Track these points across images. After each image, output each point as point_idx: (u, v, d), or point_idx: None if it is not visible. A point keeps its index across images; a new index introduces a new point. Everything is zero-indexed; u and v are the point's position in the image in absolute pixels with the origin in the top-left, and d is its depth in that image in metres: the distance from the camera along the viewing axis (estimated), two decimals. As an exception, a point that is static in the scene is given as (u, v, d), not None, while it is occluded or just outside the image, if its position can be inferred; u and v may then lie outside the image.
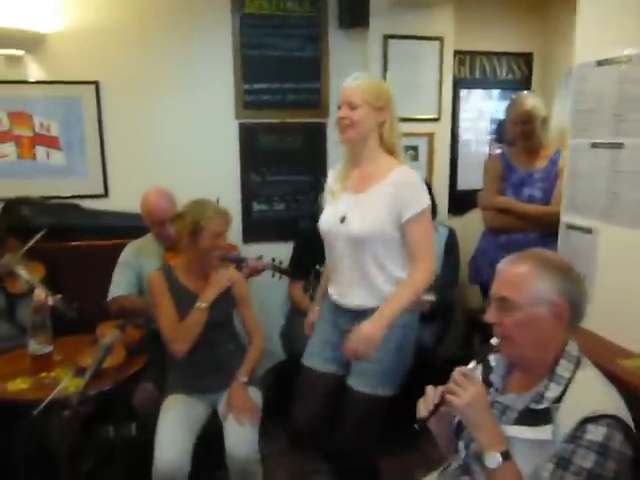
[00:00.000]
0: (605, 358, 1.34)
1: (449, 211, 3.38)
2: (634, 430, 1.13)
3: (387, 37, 2.99)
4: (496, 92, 3.51)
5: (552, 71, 3.46)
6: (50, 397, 1.75)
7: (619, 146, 1.63)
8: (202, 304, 2.05)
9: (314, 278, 2.84)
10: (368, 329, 1.71)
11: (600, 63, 1.67)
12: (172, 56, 2.91)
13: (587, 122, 1.70)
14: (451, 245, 2.99)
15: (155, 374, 2.19)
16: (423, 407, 1.34)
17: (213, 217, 2.04)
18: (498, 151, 3.47)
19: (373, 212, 1.78)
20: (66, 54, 2.78)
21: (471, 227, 3.24)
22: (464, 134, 3.49)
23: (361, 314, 1.82)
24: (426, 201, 1.79)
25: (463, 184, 3.49)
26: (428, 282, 1.81)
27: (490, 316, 1.28)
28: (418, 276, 1.79)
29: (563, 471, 1.10)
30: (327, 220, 1.91)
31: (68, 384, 1.88)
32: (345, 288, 1.88)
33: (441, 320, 2.85)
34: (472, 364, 1.32)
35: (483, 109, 3.51)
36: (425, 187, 1.83)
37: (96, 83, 2.82)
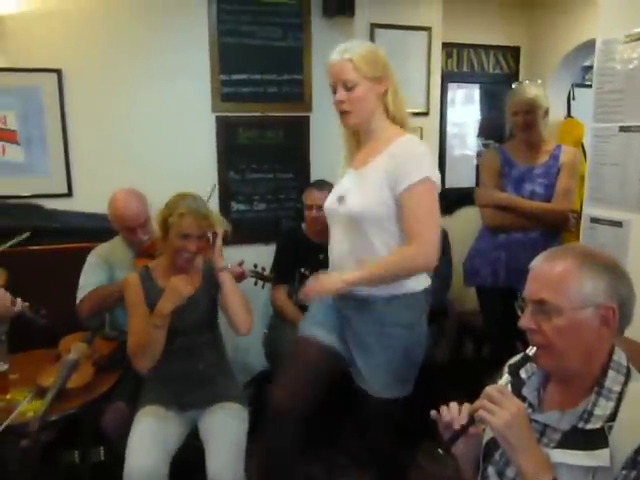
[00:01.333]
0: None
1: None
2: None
3: (374, 26, 2.83)
4: (484, 86, 3.39)
5: (539, 65, 3.38)
6: (5, 424, 1.55)
7: (655, 128, 1.48)
8: (157, 322, 1.77)
9: (299, 282, 2.67)
10: (330, 277, 1.59)
11: (629, 38, 1.53)
12: (143, 43, 2.69)
13: (615, 103, 1.56)
14: (444, 246, 2.86)
15: (128, 392, 1.97)
16: (446, 427, 1.16)
17: (183, 215, 1.80)
18: (480, 148, 3.38)
19: (371, 187, 1.60)
20: (25, 39, 2.51)
21: (461, 226, 3.12)
22: (451, 130, 3.36)
23: (365, 304, 1.66)
24: (425, 172, 1.54)
25: (451, 182, 3.36)
26: (420, 263, 1.57)
27: (525, 321, 1.11)
28: (407, 251, 1.56)
29: (625, 502, 0.94)
30: (329, 201, 1.75)
31: (26, 408, 1.67)
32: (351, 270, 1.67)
33: (434, 324, 2.70)
34: (505, 378, 1.15)
35: (471, 104, 3.39)
36: (429, 158, 1.61)
37: (58, 71, 2.57)
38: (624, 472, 0.95)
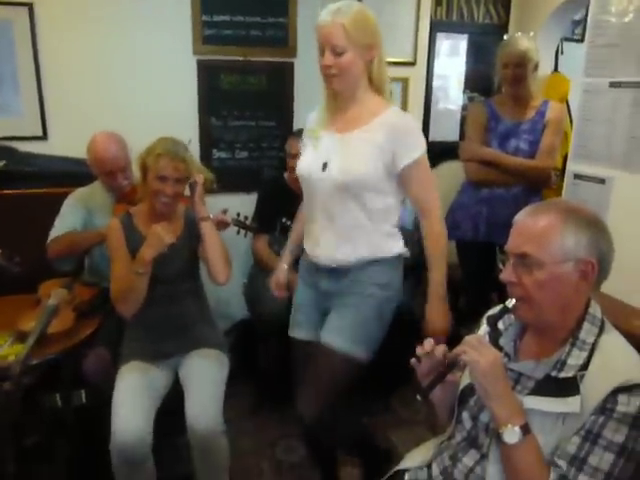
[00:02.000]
0: (618, 319, 1.23)
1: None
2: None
3: (363, -32, 2.73)
4: (472, 37, 3.31)
5: (530, 17, 3.30)
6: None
7: (645, 85, 1.45)
8: (139, 269, 1.76)
9: (280, 232, 2.66)
10: (436, 317, 1.71)
11: (625, -9, 1.49)
12: (120, -22, 2.55)
13: (606, 58, 1.52)
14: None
15: (109, 338, 1.97)
16: (425, 374, 1.20)
17: (160, 156, 1.78)
18: (466, 102, 3.34)
19: (361, 154, 1.58)
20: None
21: (443, 180, 3.10)
22: (437, 82, 3.30)
23: (342, 273, 1.68)
24: (424, 145, 1.62)
25: (435, 135, 3.33)
26: (445, 232, 1.73)
27: (507, 275, 1.13)
28: (438, 230, 1.70)
29: (591, 445, 0.99)
30: (307, 166, 1.69)
31: (7, 352, 1.67)
32: (327, 243, 1.68)
33: (413, 277, 2.74)
34: (484, 328, 1.18)
35: (457, 56, 3.32)
36: (421, 130, 1.66)
37: (29, 5, 2.42)
38: (593, 417, 1.00)
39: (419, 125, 1.67)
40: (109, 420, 1.70)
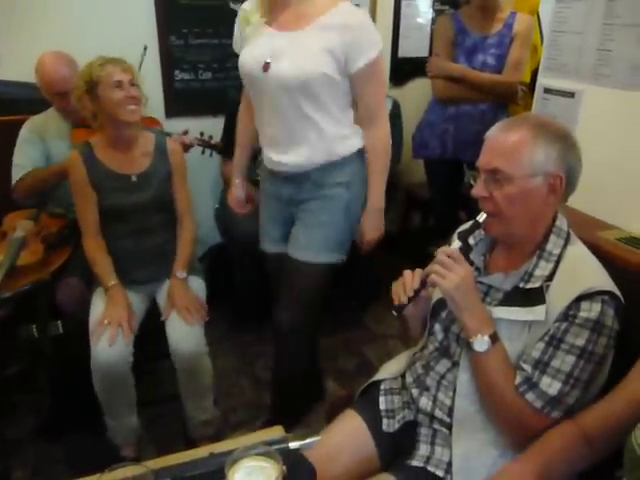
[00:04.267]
0: (583, 231, 1.27)
1: (389, 80, 3.15)
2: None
3: None
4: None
5: None
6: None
7: (617, -8, 1.41)
8: None
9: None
10: (372, 226, 1.72)
11: None
12: None
13: (579, -36, 1.48)
14: (395, 118, 2.84)
15: (81, 268, 1.94)
16: (401, 292, 1.24)
17: (102, 65, 1.73)
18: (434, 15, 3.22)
19: (313, 54, 1.50)
20: None
21: (412, 98, 3.08)
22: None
23: (302, 177, 1.66)
24: (379, 44, 1.55)
25: (404, 52, 3.23)
26: (389, 140, 1.68)
27: (478, 190, 1.15)
28: (387, 136, 1.66)
29: (554, 349, 1.06)
30: (250, 63, 1.58)
31: (-22, 286, 1.62)
32: (282, 146, 1.63)
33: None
34: (456, 244, 1.20)
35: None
36: (375, 27, 1.58)
37: None
38: (556, 324, 1.06)
39: (372, 23, 1.57)
40: (89, 346, 1.71)
